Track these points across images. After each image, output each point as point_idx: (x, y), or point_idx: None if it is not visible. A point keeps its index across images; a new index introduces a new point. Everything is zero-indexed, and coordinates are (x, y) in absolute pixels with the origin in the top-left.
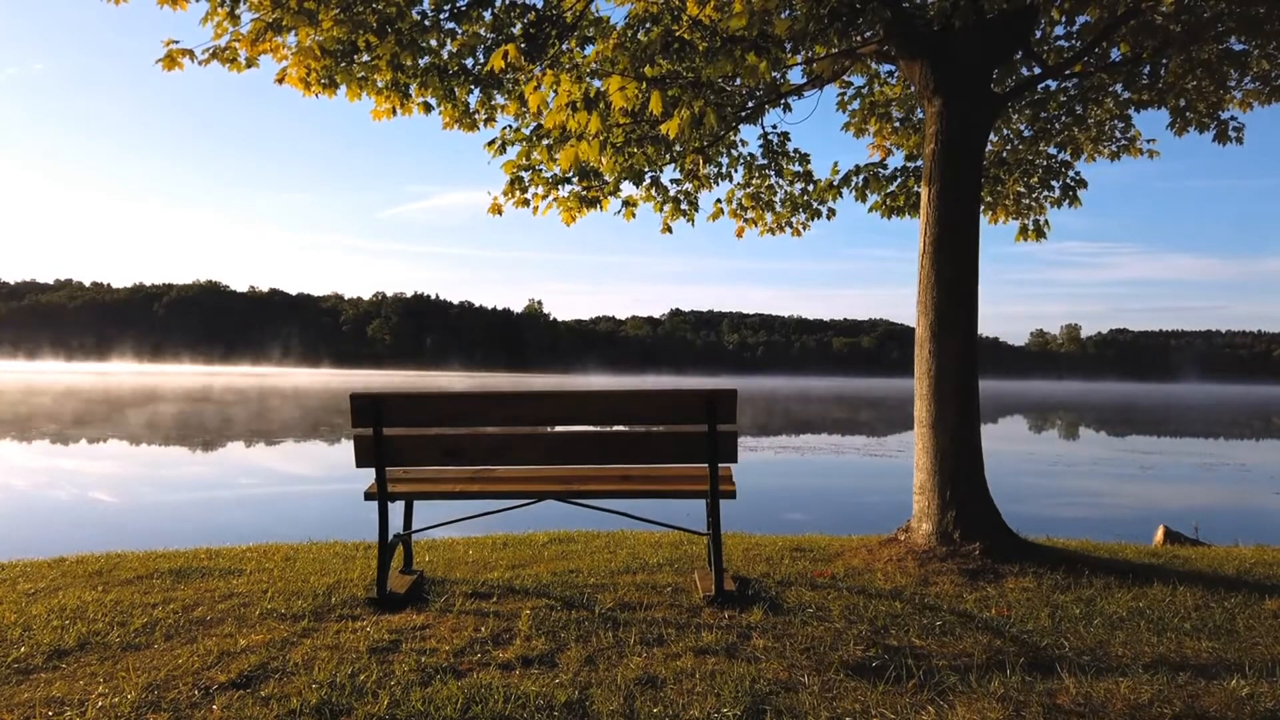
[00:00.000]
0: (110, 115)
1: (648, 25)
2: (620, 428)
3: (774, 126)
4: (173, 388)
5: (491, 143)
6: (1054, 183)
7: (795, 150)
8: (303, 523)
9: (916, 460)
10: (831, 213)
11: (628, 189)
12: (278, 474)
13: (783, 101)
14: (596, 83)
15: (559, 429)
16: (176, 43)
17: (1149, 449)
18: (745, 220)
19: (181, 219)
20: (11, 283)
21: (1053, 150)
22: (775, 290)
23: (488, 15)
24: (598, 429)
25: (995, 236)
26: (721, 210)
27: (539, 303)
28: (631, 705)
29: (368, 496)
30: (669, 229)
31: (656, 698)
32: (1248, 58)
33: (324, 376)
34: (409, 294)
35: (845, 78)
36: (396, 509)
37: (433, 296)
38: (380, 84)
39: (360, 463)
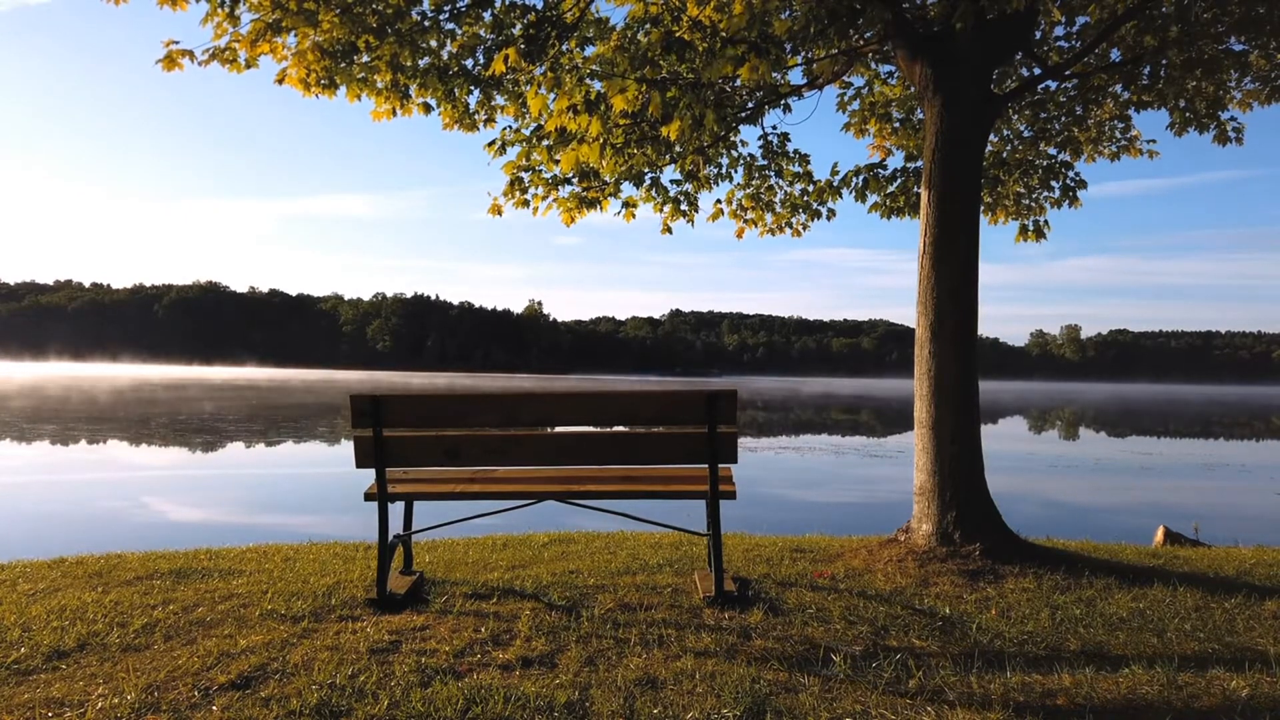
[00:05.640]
0: (111, 114)
1: (647, 26)
2: (620, 428)
3: (774, 127)
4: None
5: (491, 144)
6: (1054, 183)
7: (795, 151)
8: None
9: (917, 461)
10: (831, 213)
11: (628, 190)
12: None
13: (783, 102)
14: (597, 85)
15: (559, 429)
16: (176, 43)
17: (1148, 449)
18: (745, 221)
19: (182, 219)
20: (11, 283)
21: (1053, 151)
22: (775, 291)
23: (488, 16)
24: (598, 429)
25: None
26: (721, 211)
27: (539, 303)
28: (631, 706)
29: (368, 497)
30: (669, 229)
31: (656, 699)
32: (1247, 58)
33: (339, 377)
34: (409, 294)
35: (845, 78)
36: (396, 510)
37: (433, 297)
38: (380, 85)
39: (360, 463)
